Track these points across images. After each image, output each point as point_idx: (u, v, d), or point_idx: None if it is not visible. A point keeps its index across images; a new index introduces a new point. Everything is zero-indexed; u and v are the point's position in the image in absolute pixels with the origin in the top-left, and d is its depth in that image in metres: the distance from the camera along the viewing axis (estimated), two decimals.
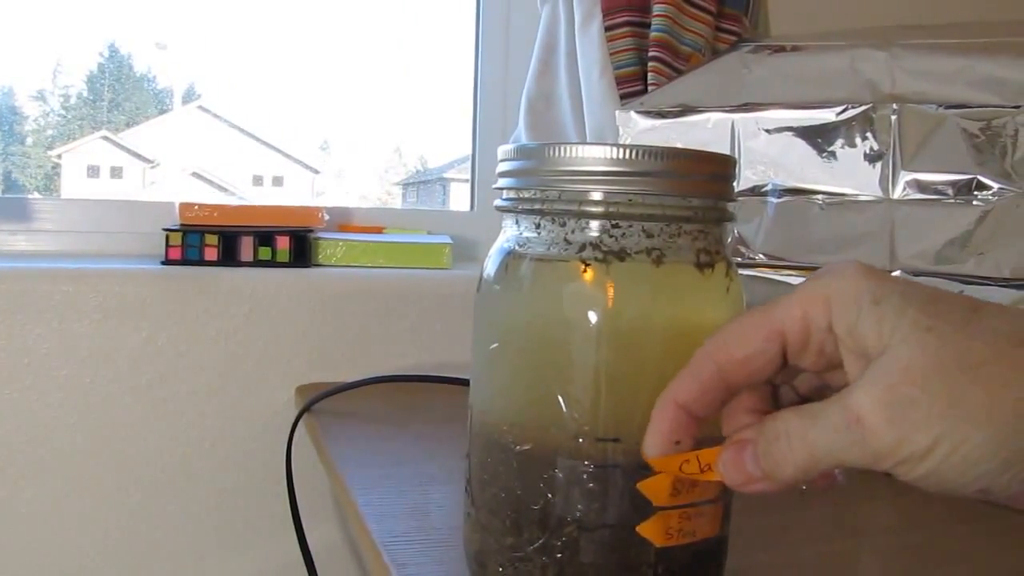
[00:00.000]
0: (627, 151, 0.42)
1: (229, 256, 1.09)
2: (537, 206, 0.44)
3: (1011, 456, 0.30)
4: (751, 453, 0.36)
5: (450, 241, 1.19)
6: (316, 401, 0.91)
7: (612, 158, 0.42)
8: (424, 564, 0.54)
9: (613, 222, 0.42)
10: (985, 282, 0.76)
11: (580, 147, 0.43)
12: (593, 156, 0.42)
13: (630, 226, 0.42)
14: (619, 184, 0.42)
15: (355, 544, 1.09)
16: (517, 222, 0.45)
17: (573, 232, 0.43)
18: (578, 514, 0.43)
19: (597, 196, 0.42)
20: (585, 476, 0.42)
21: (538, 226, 0.44)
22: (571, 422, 0.42)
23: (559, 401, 0.42)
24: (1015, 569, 0.59)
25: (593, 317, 0.42)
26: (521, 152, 0.46)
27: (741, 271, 0.47)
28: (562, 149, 0.43)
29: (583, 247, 0.42)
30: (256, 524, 1.06)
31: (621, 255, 0.42)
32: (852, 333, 0.33)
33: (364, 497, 0.65)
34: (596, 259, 0.42)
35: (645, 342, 0.43)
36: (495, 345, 0.46)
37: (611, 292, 0.42)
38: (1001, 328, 0.31)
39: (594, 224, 0.42)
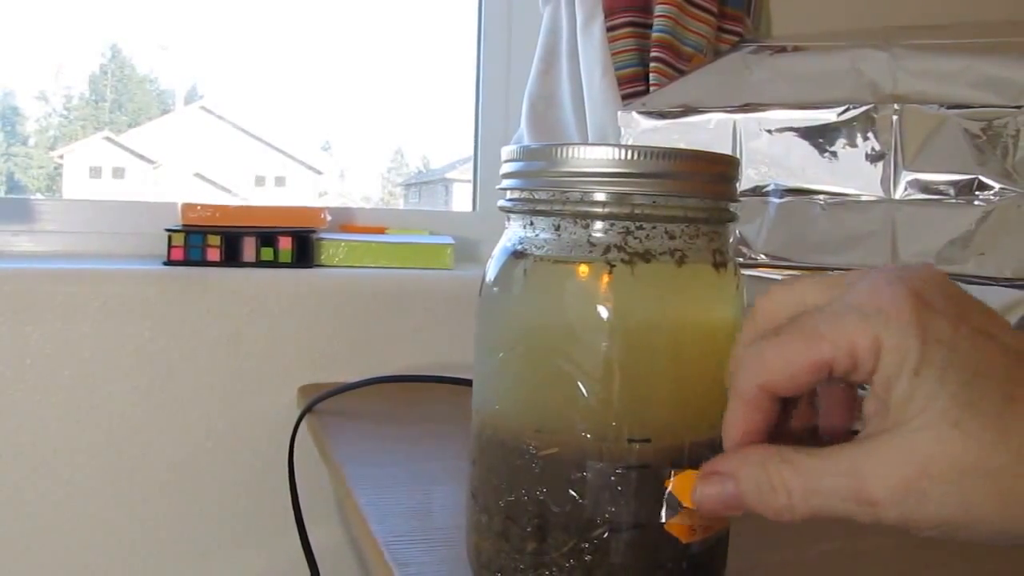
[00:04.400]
0: (651, 153, 0.42)
1: (231, 257, 1.09)
2: (557, 208, 0.43)
3: (1012, 537, 0.32)
4: (732, 488, 0.36)
5: (452, 241, 1.19)
6: (318, 401, 0.91)
7: (637, 160, 0.42)
8: (426, 564, 0.54)
9: (638, 224, 0.42)
10: (986, 282, 0.76)
11: (603, 149, 0.43)
12: (617, 158, 0.42)
13: (654, 227, 0.42)
14: (644, 186, 0.42)
15: (357, 544, 1.09)
16: (532, 224, 0.45)
17: (597, 234, 0.43)
18: (608, 516, 0.43)
19: (624, 198, 0.42)
20: (614, 478, 0.42)
21: (558, 228, 0.44)
22: (602, 425, 0.42)
23: (588, 405, 0.42)
24: (1015, 570, 0.59)
25: (621, 319, 0.42)
26: (536, 153, 0.45)
27: (743, 271, 0.47)
28: (583, 151, 0.43)
29: (608, 249, 0.42)
30: (258, 524, 1.06)
31: (646, 256, 0.42)
32: (886, 389, 0.33)
33: (366, 497, 0.66)
34: (622, 260, 0.42)
35: (672, 342, 0.43)
36: (502, 354, 0.45)
37: (638, 294, 0.42)
38: None
39: (618, 226, 0.42)
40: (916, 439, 0.32)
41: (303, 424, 0.91)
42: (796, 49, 0.91)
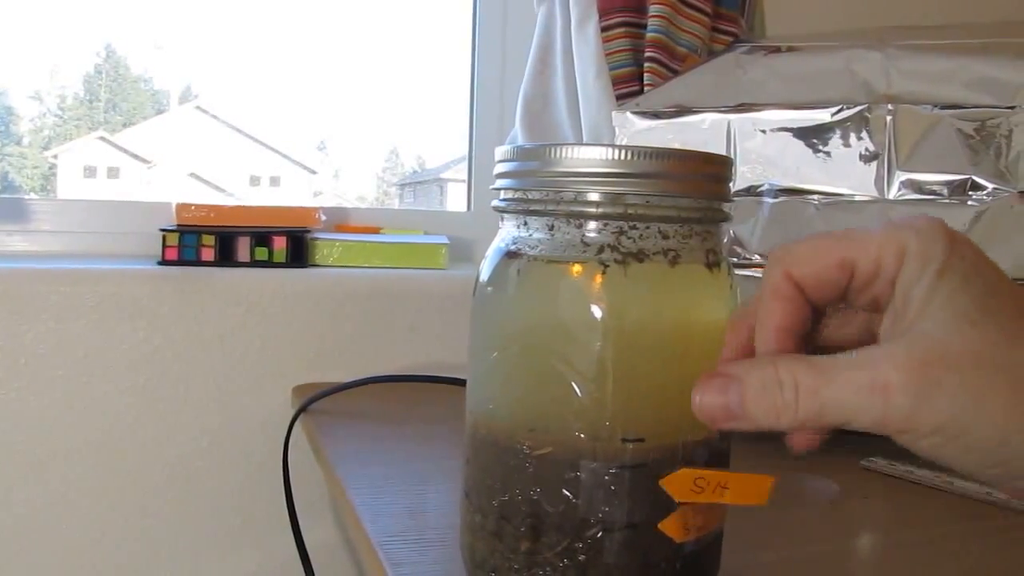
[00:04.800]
0: (644, 153, 0.42)
1: (226, 256, 1.09)
2: (551, 208, 0.43)
3: (1008, 459, 0.32)
4: (736, 391, 0.35)
5: (447, 241, 1.19)
6: (313, 401, 0.91)
7: (630, 160, 0.42)
8: (420, 563, 0.54)
9: (631, 224, 0.42)
10: None
11: (596, 149, 0.43)
12: (611, 158, 0.42)
13: (647, 227, 0.42)
14: (638, 186, 0.42)
15: (352, 544, 1.09)
16: (526, 223, 0.45)
17: (591, 234, 0.43)
18: (601, 515, 0.42)
19: (617, 198, 0.42)
20: (608, 477, 0.42)
21: (551, 228, 0.44)
22: (596, 425, 0.42)
23: (582, 404, 0.42)
24: (1009, 568, 0.59)
25: (615, 319, 0.42)
26: (529, 153, 0.45)
27: (737, 271, 0.47)
28: (577, 151, 0.43)
29: (601, 249, 0.42)
30: (253, 524, 1.06)
31: (640, 256, 0.42)
32: (905, 293, 0.34)
33: (360, 496, 0.66)
34: (616, 260, 0.42)
35: (665, 342, 0.43)
36: (496, 354, 0.45)
37: (631, 294, 0.42)
38: None
39: (612, 226, 0.42)
40: (935, 332, 0.33)
41: (297, 424, 0.90)
42: (790, 49, 0.91)
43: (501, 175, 0.46)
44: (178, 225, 1.10)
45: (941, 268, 0.33)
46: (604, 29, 1.06)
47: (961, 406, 0.32)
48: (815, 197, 0.84)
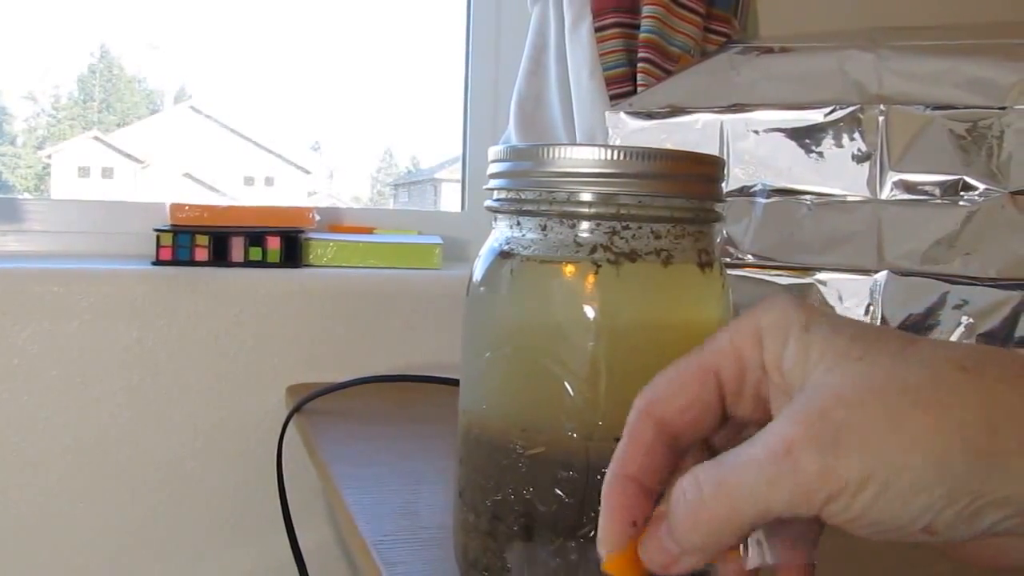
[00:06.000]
0: (637, 154, 0.42)
1: (219, 256, 1.09)
2: (544, 208, 0.43)
3: (956, 487, 0.27)
4: (664, 526, 0.30)
5: (441, 241, 1.19)
6: (307, 401, 0.91)
7: (623, 160, 0.42)
8: (414, 563, 0.55)
9: (624, 224, 0.43)
10: (972, 282, 0.77)
11: (589, 149, 0.43)
12: (604, 158, 0.42)
13: (640, 227, 0.43)
14: (630, 186, 0.42)
15: (346, 544, 1.09)
16: (519, 224, 0.45)
17: (583, 234, 0.43)
18: (594, 515, 0.43)
19: (610, 198, 0.42)
20: (600, 477, 0.42)
21: (544, 228, 0.44)
22: (588, 425, 0.42)
23: (574, 404, 0.42)
24: (1003, 569, 0.59)
25: (607, 319, 0.42)
26: (522, 153, 0.45)
27: (730, 271, 0.48)
28: (569, 151, 0.43)
29: (594, 249, 0.42)
30: (247, 524, 1.06)
31: (632, 256, 0.42)
32: (779, 365, 0.31)
33: (354, 496, 0.66)
34: (608, 260, 0.42)
35: (658, 342, 0.43)
36: (489, 353, 0.45)
37: (624, 294, 0.42)
38: (938, 354, 0.28)
39: (604, 226, 0.43)
40: (822, 379, 0.29)
41: (291, 424, 0.91)
42: (783, 50, 0.91)
43: (494, 175, 0.47)
44: (172, 225, 1.09)
45: (805, 323, 0.30)
46: (598, 30, 1.06)
47: (880, 439, 0.27)
48: (808, 197, 0.85)
